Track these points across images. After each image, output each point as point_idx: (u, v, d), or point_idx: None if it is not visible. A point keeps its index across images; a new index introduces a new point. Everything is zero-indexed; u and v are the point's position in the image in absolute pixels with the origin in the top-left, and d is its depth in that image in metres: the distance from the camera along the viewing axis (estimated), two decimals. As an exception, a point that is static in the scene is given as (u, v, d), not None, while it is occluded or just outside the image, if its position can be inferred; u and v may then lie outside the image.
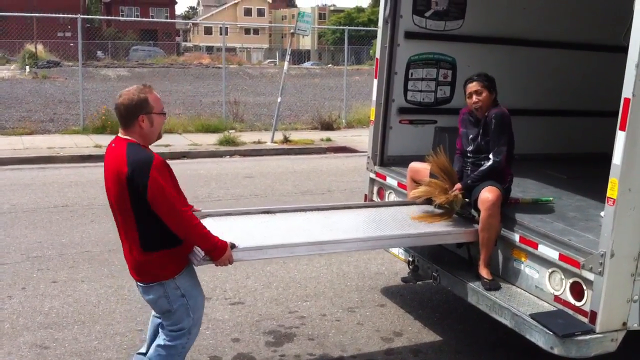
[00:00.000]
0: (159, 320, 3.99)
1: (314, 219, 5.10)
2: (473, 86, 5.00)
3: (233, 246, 3.98)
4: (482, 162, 4.98)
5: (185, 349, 3.98)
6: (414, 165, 5.47)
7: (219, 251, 3.81)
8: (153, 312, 4.08)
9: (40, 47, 41.75)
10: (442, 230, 4.93)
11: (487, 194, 4.69)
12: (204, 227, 3.76)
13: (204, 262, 3.86)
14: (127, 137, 3.71)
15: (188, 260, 3.91)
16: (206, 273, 6.50)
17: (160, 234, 3.67)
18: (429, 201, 5.16)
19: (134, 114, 3.67)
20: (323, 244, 4.54)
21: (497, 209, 4.68)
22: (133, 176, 3.55)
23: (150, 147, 3.75)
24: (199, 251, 3.85)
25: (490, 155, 4.91)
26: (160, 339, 3.94)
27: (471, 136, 5.11)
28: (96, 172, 11.65)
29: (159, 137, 3.87)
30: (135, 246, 3.72)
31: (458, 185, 4.96)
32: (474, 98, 4.98)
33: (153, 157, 3.63)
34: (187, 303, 3.85)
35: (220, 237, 3.85)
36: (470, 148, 5.13)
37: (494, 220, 4.68)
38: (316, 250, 4.71)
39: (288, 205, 5.52)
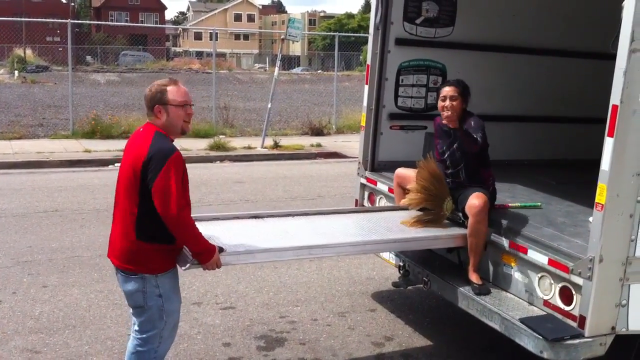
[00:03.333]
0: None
1: (303, 223, 5.12)
2: (449, 90, 4.91)
3: (221, 250, 3.99)
4: (459, 174, 5.01)
5: (158, 355, 3.95)
6: (400, 171, 5.49)
7: (207, 254, 3.82)
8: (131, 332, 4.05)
9: (29, 51, 41.65)
10: (431, 235, 4.96)
11: (475, 200, 4.72)
12: (197, 229, 3.78)
13: (192, 265, 3.86)
14: (155, 125, 3.80)
15: (175, 262, 3.91)
16: (197, 278, 6.52)
17: (157, 227, 3.68)
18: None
19: (151, 104, 3.79)
20: (311, 248, 4.55)
21: (484, 215, 4.71)
22: (149, 162, 3.61)
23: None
24: (187, 254, 3.85)
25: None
26: (132, 345, 3.94)
27: (445, 147, 5.12)
28: (86, 177, 11.65)
29: (185, 131, 3.90)
30: (131, 232, 3.72)
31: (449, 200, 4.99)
32: (447, 102, 4.85)
33: (174, 151, 3.69)
34: (162, 305, 3.84)
35: (209, 241, 3.87)
36: (445, 158, 5.13)
37: (482, 226, 4.71)
38: (305, 255, 4.71)
39: (276, 210, 5.53)
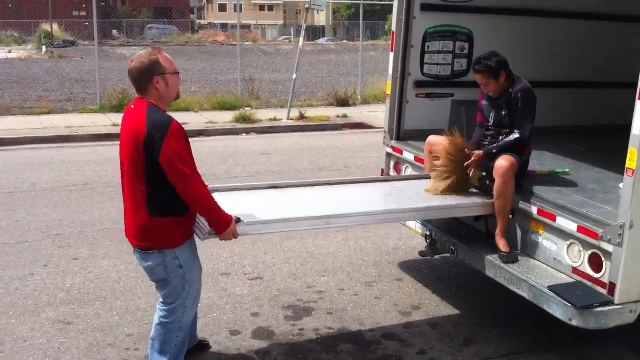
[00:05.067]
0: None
1: (324, 193, 5.10)
2: (478, 78, 5.01)
3: (238, 220, 3.99)
4: (502, 137, 4.96)
5: (183, 325, 4.02)
6: (432, 138, 5.43)
7: (223, 224, 3.82)
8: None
9: (55, 26, 41.85)
10: (458, 203, 4.93)
11: (502, 162, 4.70)
12: (212, 198, 3.78)
13: (209, 235, 3.87)
14: (147, 99, 3.75)
15: (191, 233, 3.93)
16: (225, 250, 6.57)
17: (169, 199, 3.69)
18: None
19: (148, 76, 3.72)
20: (329, 218, 4.50)
21: (511, 176, 4.67)
22: (150, 137, 3.59)
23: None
24: (204, 224, 3.86)
25: (516, 130, 4.89)
26: (158, 317, 4.00)
27: (492, 110, 5.09)
28: (114, 151, 11.64)
29: (177, 97, 3.91)
30: (143, 210, 3.74)
31: (479, 152, 4.92)
32: (483, 88, 5.04)
33: (172, 120, 3.67)
34: (184, 275, 3.89)
35: (227, 212, 3.87)
36: (491, 122, 5.11)
37: (508, 187, 4.67)
38: (322, 225, 4.66)
39: (295, 181, 5.49)
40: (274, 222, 4.34)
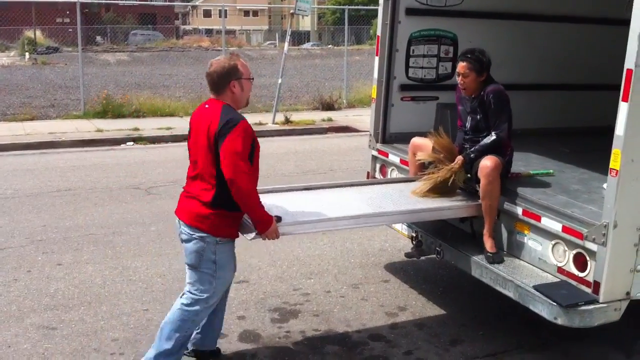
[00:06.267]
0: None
1: (352, 195, 5.22)
2: (461, 67, 5.00)
3: (279, 219, 4.18)
4: (480, 139, 4.99)
5: (198, 319, 4.20)
6: (416, 140, 5.46)
7: (265, 224, 4.03)
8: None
9: (39, 33, 41.58)
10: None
11: (486, 162, 4.72)
12: (258, 198, 3.98)
13: (257, 235, 4.08)
14: (221, 100, 4.06)
15: (237, 234, 4.17)
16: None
17: (229, 194, 3.91)
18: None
19: (226, 80, 4.03)
20: (367, 217, 4.73)
21: (496, 176, 4.69)
22: (220, 131, 3.87)
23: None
24: (250, 223, 4.05)
25: (493, 131, 4.92)
26: (179, 302, 4.18)
27: (468, 115, 5.13)
28: (98, 156, 11.68)
29: (247, 103, 4.21)
30: (206, 196, 3.98)
31: (460, 158, 4.96)
32: (460, 79, 5.03)
33: (242, 119, 3.96)
34: (214, 271, 4.08)
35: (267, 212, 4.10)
36: (467, 125, 5.15)
37: (494, 187, 4.69)
38: (361, 223, 4.98)
39: (326, 182, 5.70)
40: (315, 222, 4.52)
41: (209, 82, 4.10)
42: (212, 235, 4.01)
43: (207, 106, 4.09)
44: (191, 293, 4.12)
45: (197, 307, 4.11)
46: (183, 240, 4.13)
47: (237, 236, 4.20)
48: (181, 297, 4.20)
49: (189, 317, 4.13)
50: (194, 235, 4.02)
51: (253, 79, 4.20)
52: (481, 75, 4.95)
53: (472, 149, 4.95)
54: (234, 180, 3.83)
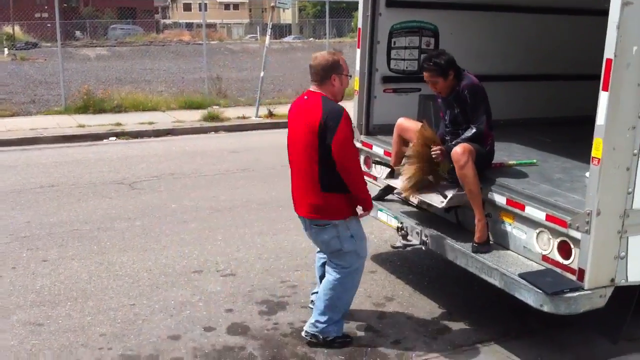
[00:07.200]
0: (323, 258, 4.79)
1: None
2: (426, 76, 5.06)
3: None
4: (460, 132, 5.02)
5: (355, 283, 4.69)
6: (402, 122, 5.45)
7: (370, 202, 4.55)
8: (317, 252, 4.97)
9: (17, 28, 41.15)
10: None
11: (457, 149, 4.75)
12: (364, 179, 4.49)
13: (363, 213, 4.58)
14: (320, 92, 4.39)
15: (355, 209, 4.53)
16: (196, 247, 6.58)
17: (338, 178, 4.30)
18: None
19: (329, 73, 4.39)
20: None
21: (466, 160, 4.68)
22: (325, 123, 4.22)
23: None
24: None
25: (472, 125, 4.95)
26: (331, 280, 4.56)
27: (446, 109, 5.16)
28: (80, 152, 11.61)
29: (341, 98, 4.51)
30: (316, 188, 4.36)
31: (441, 147, 4.95)
32: (430, 86, 5.11)
33: (343, 109, 4.31)
34: (355, 243, 4.50)
35: None
36: (447, 120, 5.19)
37: (467, 171, 4.68)
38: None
39: None
40: None
41: (313, 74, 4.42)
42: (340, 219, 4.41)
43: (306, 97, 4.43)
44: (342, 268, 4.54)
45: (353, 276, 4.60)
46: (314, 237, 4.58)
47: (356, 212, 4.56)
48: (331, 274, 4.57)
49: (351, 285, 4.63)
50: (324, 228, 4.44)
51: (351, 76, 4.56)
52: (447, 76, 4.97)
53: (453, 142, 4.97)
54: (348, 166, 4.26)
